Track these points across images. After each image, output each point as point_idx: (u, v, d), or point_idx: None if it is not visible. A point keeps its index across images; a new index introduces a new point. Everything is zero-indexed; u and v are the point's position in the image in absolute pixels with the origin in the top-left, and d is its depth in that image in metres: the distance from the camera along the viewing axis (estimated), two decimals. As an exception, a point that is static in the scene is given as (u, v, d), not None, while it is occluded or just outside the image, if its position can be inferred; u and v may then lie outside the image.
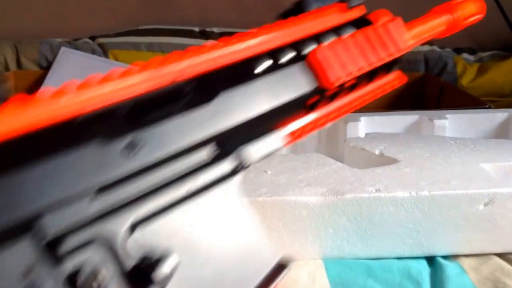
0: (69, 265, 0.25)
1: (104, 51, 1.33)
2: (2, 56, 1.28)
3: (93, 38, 1.38)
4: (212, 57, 0.34)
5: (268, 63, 0.37)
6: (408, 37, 0.45)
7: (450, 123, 0.81)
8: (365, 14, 0.44)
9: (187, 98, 0.32)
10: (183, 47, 0.33)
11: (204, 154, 0.32)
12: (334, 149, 0.80)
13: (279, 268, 0.34)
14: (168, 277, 0.28)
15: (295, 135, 0.39)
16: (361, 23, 0.43)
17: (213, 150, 0.33)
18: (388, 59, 0.43)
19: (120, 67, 0.30)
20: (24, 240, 0.24)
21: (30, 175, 0.25)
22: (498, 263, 0.57)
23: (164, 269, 0.27)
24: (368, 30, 0.42)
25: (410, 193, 0.55)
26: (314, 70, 0.38)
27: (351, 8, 0.43)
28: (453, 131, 0.81)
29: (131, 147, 0.29)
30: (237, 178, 0.34)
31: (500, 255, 0.59)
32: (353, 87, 0.43)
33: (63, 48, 1.29)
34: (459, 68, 1.28)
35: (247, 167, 0.35)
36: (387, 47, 0.43)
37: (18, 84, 1.19)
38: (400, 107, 0.89)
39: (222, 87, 0.34)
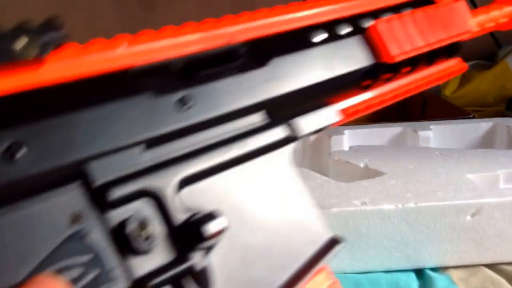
0: (117, 214, 0.25)
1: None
2: None
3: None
4: (267, 23, 0.34)
5: (324, 34, 0.36)
6: (472, 23, 0.44)
7: (434, 134, 0.81)
8: None
9: (241, 61, 0.32)
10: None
11: (255, 119, 0.32)
12: (319, 163, 0.79)
13: (332, 242, 0.33)
14: (217, 237, 0.27)
15: (349, 113, 0.38)
16: (423, 1, 0.42)
17: (264, 117, 0.32)
18: (450, 41, 0.42)
19: (171, 25, 0.30)
20: (73, 186, 0.24)
21: (82, 120, 0.25)
22: (488, 274, 0.57)
23: (213, 226, 0.26)
24: (431, 8, 0.41)
25: (396, 205, 0.55)
26: (374, 43, 0.37)
27: None
28: (438, 142, 0.81)
29: (183, 102, 0.28)
30: (289, 148, 0.33)
31: (490, 266, 0.58)
32: (412, 66, 0.41)
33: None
34: (442, 79, 1.28)
35: (299, 138, 0.34)
36: (450, 28, 0.41)
37: None
38: (384, 119, 0.88)
39: (276, 53, 0.33)
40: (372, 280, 0.55)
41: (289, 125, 0.33)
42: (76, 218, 0.24)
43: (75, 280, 0.23)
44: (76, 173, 0.24)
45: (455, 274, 0.57)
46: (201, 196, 0.29)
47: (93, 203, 0.25)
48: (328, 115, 0.36)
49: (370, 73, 0.38)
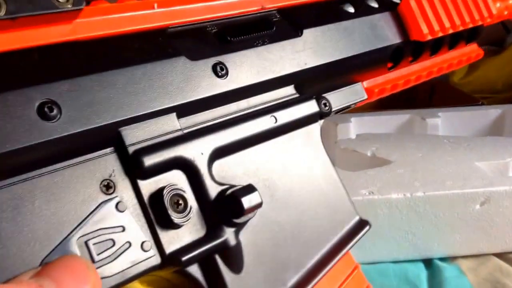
0: (150, 184, 0.24)
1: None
2: None
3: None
4: None
5: (357, 6, 0.35)
6: (502, 5, 0.44)
7: (442, 121, 0.80)
8: None
9: (274, 30, 0.31)
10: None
11: (286, 92, 0.32)
12: (326, 151, 0.78)
13: (361, 224, 0.33)
14: (252, 213, 0.26)
15: (375, 91, 0.38)
16: None
17: (295, 91, 0.32)
18: (473, 25, 0.41)
19: None
20: (107, 152, 0.24)
21: (118, 80, 0.24)
22: (497, 264, 0.56)
23: (250, 200, 0.26)
24: None
25: (404, 194, 0.54)
26: (405, 20, 0.37)
27: None
28: (446, 130, 0.80)
29: (218, 69, 0.28)
30: (318, 124, 0.33)
31: (499, 255, 0.58)
32: (436, 48, 0.41)
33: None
34: (450, 65, 1.27)
35: (328, 114, 0.34)
36: (475, 12, 0.41)
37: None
38: (391, 106, 0.87)
39: (308, 24, 0.33)
40: (380, 270, 0.55)
41: (320, 100, 0.33)
42: (108, 186, 0.23)
43: (104, 252, 0.22)
44: (110, 137, 0.24)
45: (464, 263, 0.56)
46: (233, 170, 0.28)
47: (126, 171, 0.24)
48: (356, 92, 0.36)
49: (399, 51, 0.38)
